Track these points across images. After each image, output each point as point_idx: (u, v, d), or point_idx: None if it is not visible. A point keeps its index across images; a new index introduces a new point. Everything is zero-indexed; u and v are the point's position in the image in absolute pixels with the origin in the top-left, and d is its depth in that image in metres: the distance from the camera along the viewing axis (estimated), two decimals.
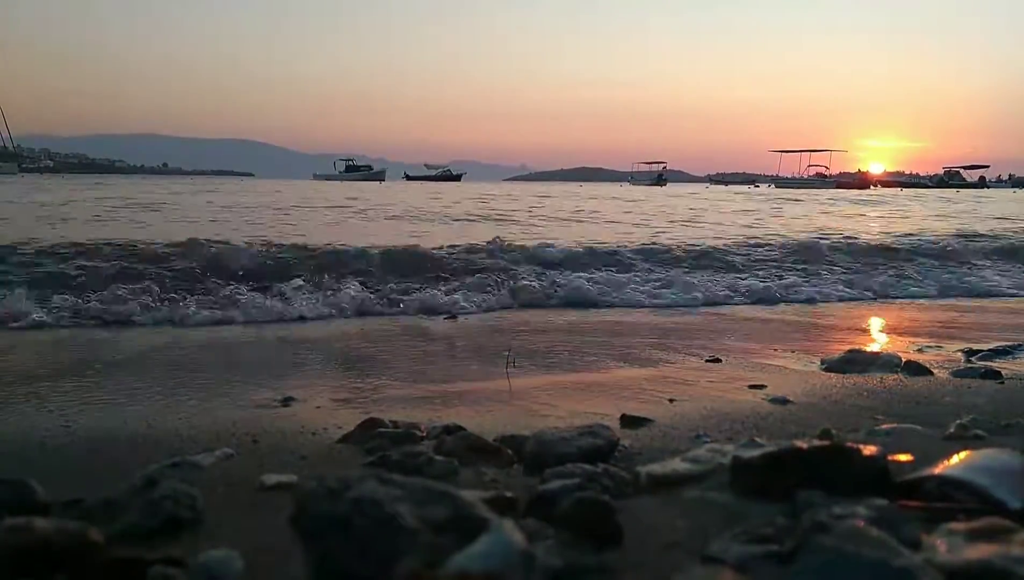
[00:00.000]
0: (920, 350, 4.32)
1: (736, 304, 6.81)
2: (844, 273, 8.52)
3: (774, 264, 8.95)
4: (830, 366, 3.68)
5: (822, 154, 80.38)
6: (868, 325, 5.82)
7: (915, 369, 3.51)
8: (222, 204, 19.91)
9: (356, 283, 6.65)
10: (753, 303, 6.87)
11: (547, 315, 5.99)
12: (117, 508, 1.47)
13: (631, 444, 2.19)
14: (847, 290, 7.59)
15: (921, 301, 7.26)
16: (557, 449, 1.91)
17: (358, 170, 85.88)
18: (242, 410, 2.93)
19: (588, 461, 1.77)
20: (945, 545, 1.18)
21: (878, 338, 5.23)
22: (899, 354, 3.82)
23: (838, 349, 4.08)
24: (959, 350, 4.20)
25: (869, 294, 7.54)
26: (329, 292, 6.26)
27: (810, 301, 7.04)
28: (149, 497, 1.47)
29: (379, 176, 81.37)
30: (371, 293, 6.36)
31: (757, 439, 1.95)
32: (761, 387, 3.23)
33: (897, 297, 7.50)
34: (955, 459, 1.56)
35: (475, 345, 4.68)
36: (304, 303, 5.88)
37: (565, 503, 1.36)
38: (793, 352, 4.24)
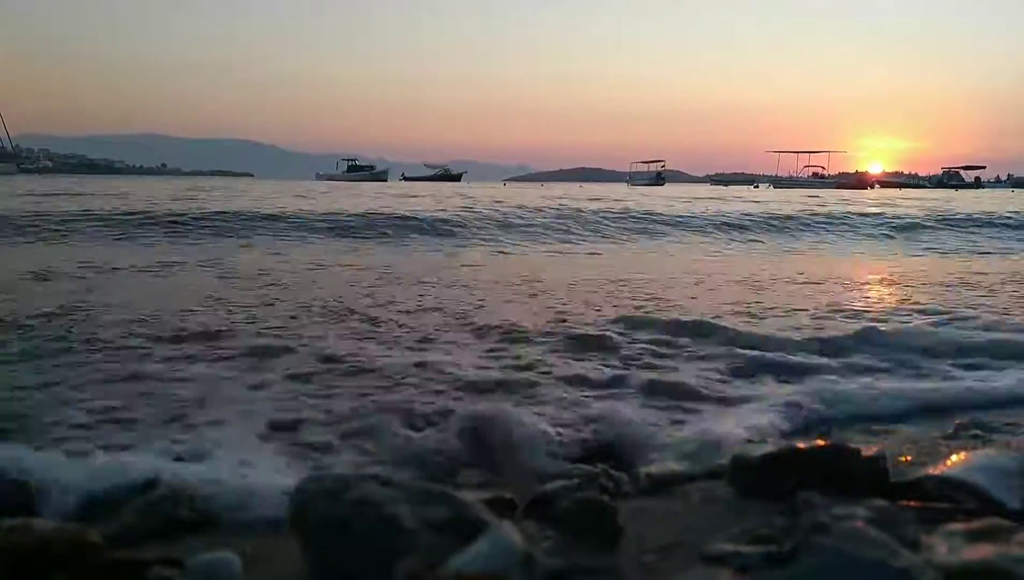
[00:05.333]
0: None
1: None
2: None
3: None
4: None
5: (820, 154, 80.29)
6: None
7: None
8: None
9: None
10: None
11: None
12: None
13: None
14: None
15: None
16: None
17: (361, 170, 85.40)
18: None
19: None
20: (945, 545, 1.18)
21: None
22: None
23: None
24: None
25: None
26: None
27: None
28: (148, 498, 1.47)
29: (382, 176, 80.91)
30: None
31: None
32: None
33: None
34: (955, 459, 1.56)
35: None
36: None
37: (565, 503, 1.35)
38: None
